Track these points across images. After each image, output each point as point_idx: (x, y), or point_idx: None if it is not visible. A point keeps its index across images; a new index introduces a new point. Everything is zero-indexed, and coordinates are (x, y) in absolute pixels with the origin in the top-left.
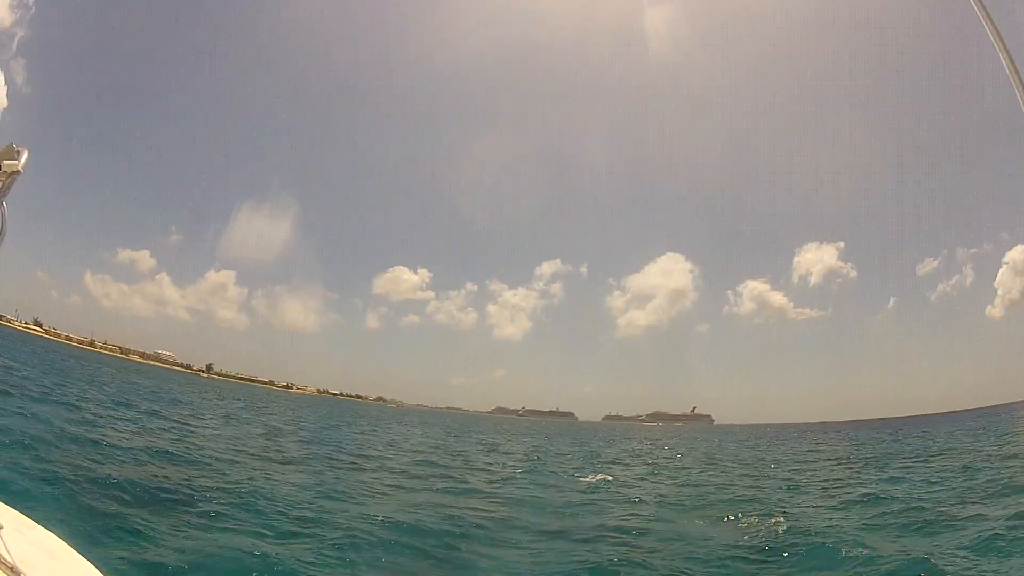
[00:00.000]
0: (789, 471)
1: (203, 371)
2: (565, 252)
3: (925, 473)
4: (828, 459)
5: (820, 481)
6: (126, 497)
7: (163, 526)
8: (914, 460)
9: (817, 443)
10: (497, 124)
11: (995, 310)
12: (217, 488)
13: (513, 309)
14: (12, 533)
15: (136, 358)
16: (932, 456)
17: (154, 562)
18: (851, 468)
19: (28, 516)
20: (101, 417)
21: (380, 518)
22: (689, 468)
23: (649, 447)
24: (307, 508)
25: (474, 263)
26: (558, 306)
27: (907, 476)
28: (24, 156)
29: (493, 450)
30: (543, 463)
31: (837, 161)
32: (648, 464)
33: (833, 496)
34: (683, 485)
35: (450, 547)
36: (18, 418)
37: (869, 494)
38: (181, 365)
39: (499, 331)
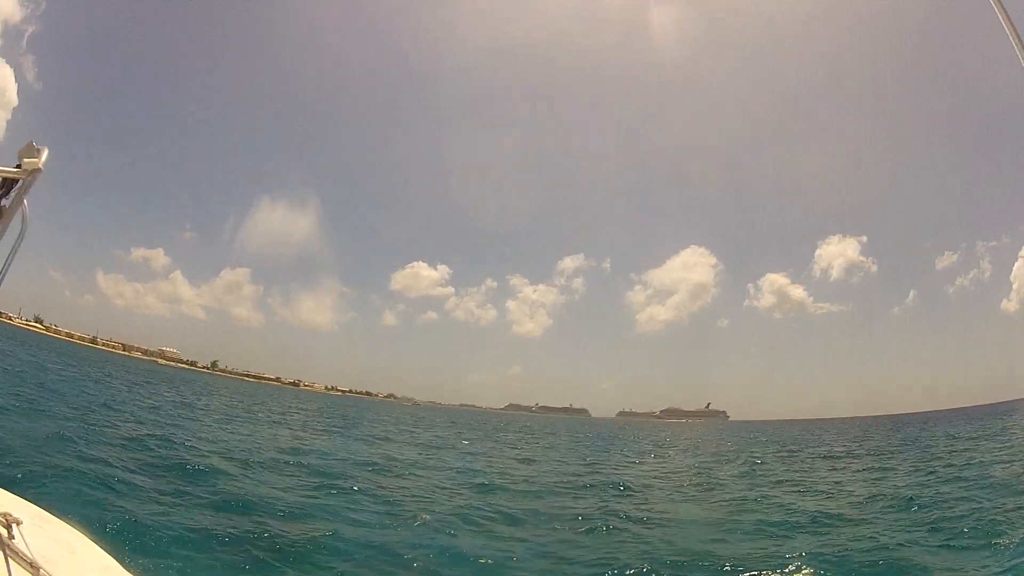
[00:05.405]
0: None
1: (208, 368)
2: (588, 247)
3: None
4: None
5: None
6: None
7: None
8: None
9: None
10: (518, 120)
11: (1010, 304)
12: None
13: (533, 305)
14: (32, 528)
15: (138, 355)
16: None
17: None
18: None
19: (47, 510)
20: None
21: None
22: None
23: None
24: None
25: (495, 258)
26: (579, 302)
27: None
28: (44, 154)
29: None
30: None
31: (861, 155)
32: None
33: None
34: None
35: None
36: None
37: None
38: (185, 362)
39: (518, 327)
